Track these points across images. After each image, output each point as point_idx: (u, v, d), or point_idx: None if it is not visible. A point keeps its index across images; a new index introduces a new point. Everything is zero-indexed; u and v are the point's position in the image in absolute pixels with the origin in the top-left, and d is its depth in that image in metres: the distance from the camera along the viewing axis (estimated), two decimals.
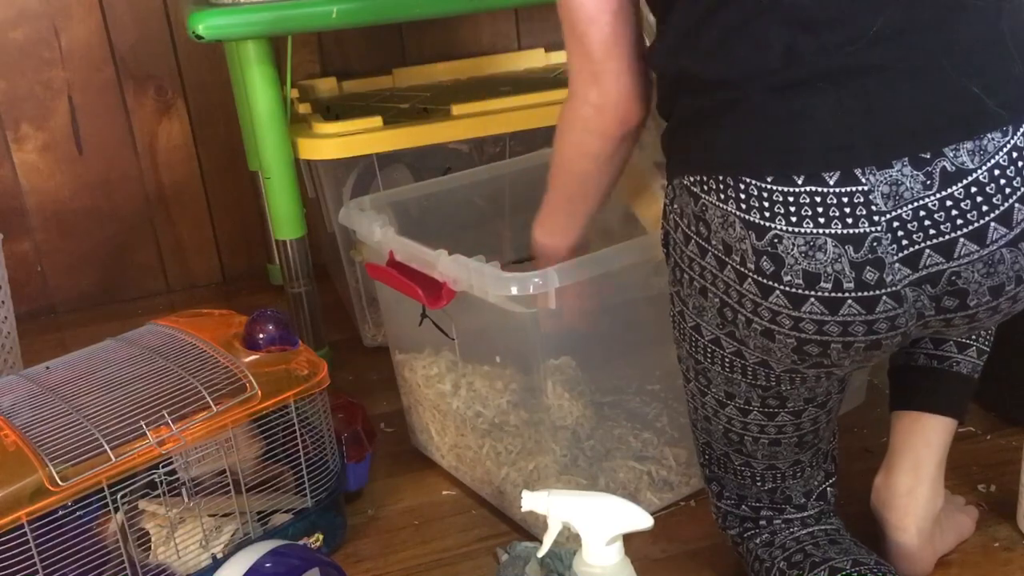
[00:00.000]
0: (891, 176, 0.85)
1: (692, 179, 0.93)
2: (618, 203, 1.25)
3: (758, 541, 1.12)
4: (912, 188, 0.85)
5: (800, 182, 0.86)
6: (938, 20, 0.86)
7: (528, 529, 1.28)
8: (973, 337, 1.16)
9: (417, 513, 1.36)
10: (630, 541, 0.91)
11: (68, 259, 2.03)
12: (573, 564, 0.92)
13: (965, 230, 0.86)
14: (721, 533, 1.16)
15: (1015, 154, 0.86)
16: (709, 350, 1.00)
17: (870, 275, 0.87)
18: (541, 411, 1.22)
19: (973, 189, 0.85)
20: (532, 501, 0.92)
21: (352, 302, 1.77)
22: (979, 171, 0.85)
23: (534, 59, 2.03)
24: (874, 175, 0.85)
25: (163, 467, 1.11)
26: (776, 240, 0.88)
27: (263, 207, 1.90)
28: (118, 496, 1.08)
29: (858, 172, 0.85)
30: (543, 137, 1.72)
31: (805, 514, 1.12)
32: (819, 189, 0.86)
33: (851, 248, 0.86)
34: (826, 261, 0.87)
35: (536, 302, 1.13)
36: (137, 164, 2.01)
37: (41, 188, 1.98)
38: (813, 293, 0.88)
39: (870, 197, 0.85)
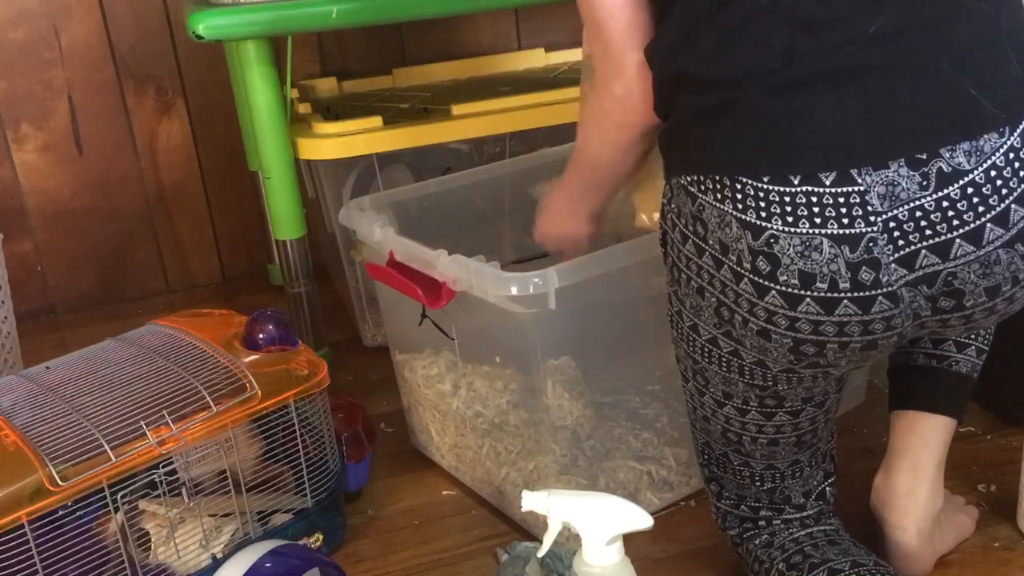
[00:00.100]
0: (887, 177, 0.85)
1: (689, 179, 0.93)
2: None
3: (757, 542, 1.12)
4: (908, 189, 0.85)
5: (796, 182, 0.86)
6: (937, 20, 0.86)
7: (528, 529, 1.28)
8: (972, 336, 1.16)
9: (417, 513, 1.36)
10: (630, 541, 0.91)
11: (68, 259, 2.03)
12: (573, 564, 0.92)
13: (961, 231, 0.86)
14: (721, 533, 1.16)
15: (1012, 155, 0.86)
16: (707, 350, 1.00)
17: (866, 275, 0.87)
18: (541, 411, 1.22)
19: (969, 190, 0.85)
20: (532, 501, 0.92)
21: (352, 302, 1.77)
22: (975, 172, 0.85)
23: (534, 59, 2.03)
24: (870, 175, 0.85)
25: (163, 467, 1.11)
26: (772, 240, 0.88)
27: (263, 207, 1.90)
28: (118, 496, 1.08)
29: (854, 172, 0.85)
30: (543, 137, 1.72)
31: (804, 514, 1.12)
32: (815, 189, 0.86)
33: (847, 248, 0.86)
34: (822, 261, 0.87)
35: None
36: (137, 164, 2.01)
37: (41, 188, 1.98)
38: (809, 293, 0.88)
39: (866, 197, 0.85)
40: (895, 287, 0.87)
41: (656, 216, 1.12)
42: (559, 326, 1.17)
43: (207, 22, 1.43)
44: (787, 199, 0.87)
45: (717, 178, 0.90)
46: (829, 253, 0.87)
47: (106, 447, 1.06)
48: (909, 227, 0.86)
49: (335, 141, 1.57)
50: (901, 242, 0.86)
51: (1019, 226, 0.87)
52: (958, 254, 0.86)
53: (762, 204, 0.87)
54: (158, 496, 1.12)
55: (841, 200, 0.86)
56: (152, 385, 1.14)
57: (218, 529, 1.18)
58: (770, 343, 0.93)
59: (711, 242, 0.92)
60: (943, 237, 0.86)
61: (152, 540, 1.15)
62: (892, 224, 0.86)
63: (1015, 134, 0.86)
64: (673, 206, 0.96)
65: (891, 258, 0.86)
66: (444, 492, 1.39)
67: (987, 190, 0.85)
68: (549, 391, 1.21)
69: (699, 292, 0.96)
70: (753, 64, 0.88)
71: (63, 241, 2.02)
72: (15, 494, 1.01)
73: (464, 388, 1.32)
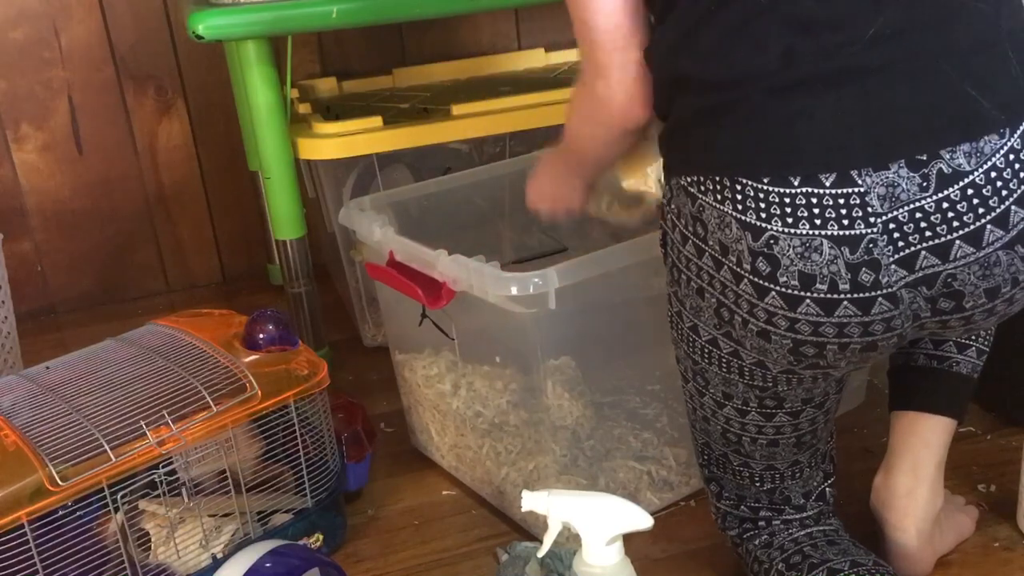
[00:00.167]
0: (887, 178, 0.85)
1: (689, 179, 0.93)
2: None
3: (757, 542, 1.12)
4: (908, 190, 0.85)
5: (796, 183, 0.86)
6: (937, 21, 0.86)
7: (528, 529, 1.28)
8: (972, 337, 1.16)
9: (417, 513, 1.36)
10: (630, 541, 0.91)
11: (68, 259, 2.03)
12: (573, 564, 0.92)
13: (961, 232, 0.86)
14: (721, 533, 1.17)
15: (1012, 156, 0.86)
16: (707, 351, 1.00)
17: (866, 276, 0.87)
18: (541, 411, 1.22)
19: (970, 191, 0.85)
20: (532, 501, 0.92)
21: (352, 302, 1.77)
22: (976, 173, 0.85)
23: (534, 59, 2.03)
24: (870, 176, 0.85)
25: (163, 467, 1.11)
26: (772, 241, 0.88)
27: (263, 207, 1.90)
28: (118, 496, 1.08)
29: (854, 174, 0.85)
30: (543, 137, 1.71)
31: (804, 515, 1.12)
32: (815, 190, 0.86)
33: (847, 249, 0.86)
34: (822, 262, 0.87)
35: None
36: (137, 164, 2.01)
37: (41, 188, 1.98)
38: (809, 294, 0.88)
39: (866, 199, 0.85)
40: (895, 288, 0.87)
41: (648, 182, 1.12)
42: (559, 326, 1.17)
43: (207, 22, 1.43)
44: (787, 200, 0.87)
45: (717, 179, 0.90)
46: (829, 254, 0.87)
47: (106, 447, 1.06)
48: (909, 228, 0.86)
49: (335, 141, 1.57)
50: (901, 243, 0.86)
51: (1019, 228, 0.87)
52: (958, 255, 0.86)
53: (762, 205, 0.87)
54: (158, 496, 1.12)
55: (841, 201, 0.86)
56: (152, 385, 1.14)
57: (218, 529, 1.18)
58: (770, 344, 0.93)
59: (711, 243, 0.92)
60: (943, 238, 0.86)
61: (152, 540, 1.15)
62: (892, 225, 0.86)
63: (1015, 135, 0.86)
64: (673, 207, 0.96)
65: (891, 259, 0.86)
66: (444, 492, 1.39)
67: (987, 191, 0.85)
68: (549, 391, 1.21)
69: (699, 293, 0.96)
70: (752, 65, 0.87)
71: (63, 241, 2.02)
72: (15, 494, 1.01)
73: (464, 388, 1.32)
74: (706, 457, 1.13)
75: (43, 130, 1.95)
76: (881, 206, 0.85)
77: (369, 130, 1.58)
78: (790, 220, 0.87)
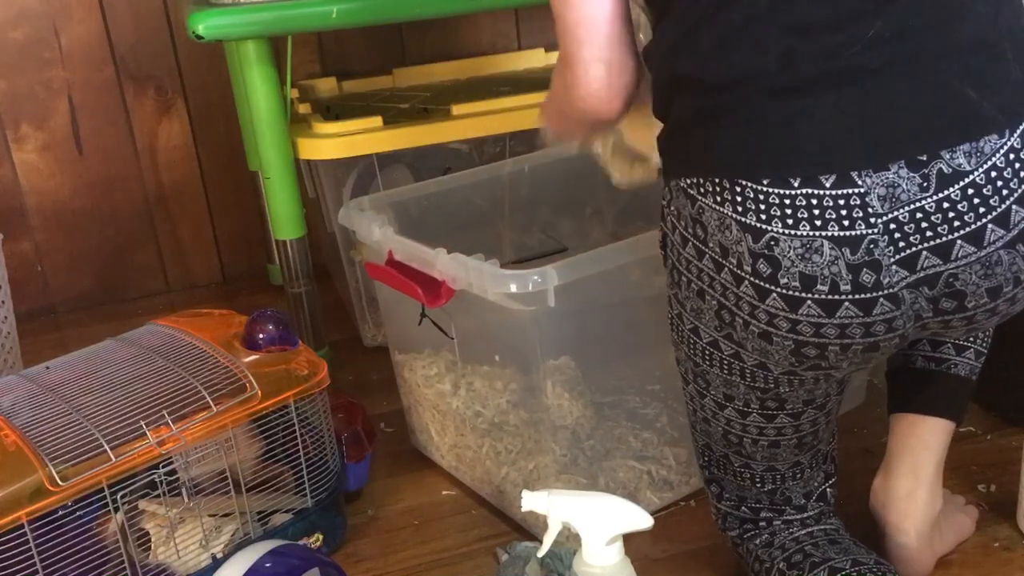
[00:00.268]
0: (887, 178, 0.85)
1: (689, 181, 0.92)
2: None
3: (758, 542, 1.12)
4: (909, 190, 0.85)
5: (796, 185, 0.86)
6: (937, 22, 0.86)
7: (528, 529, 1.28)
8: (971, 339, 1.16)
9: (417, 513, 1.36)
10: (630, 541, 0.91)
11: (68, 259, 2.03)
12: (573, 564, 0.92)
13: (962, 232, 0.86)
14: (721, 533, 1.16)
15: (1012, 156, 0.86)
16: (707, 352, 1.00)
17: (867, 277, 0.87)
18: (541, 411, 1.22)
19: (970, 191, 0.85)
20: (532, 501, 0.92)
21: (352, 302, 1.77)
22: (976, 173, 0.85)
23: (534, 59, 2.03)
24: (870, 177, 0.85)
25: (163, 467, 1.11)
26: (772, 243, 0.87)
27: (263, 207, 1.90)
28: (118, 496, 1.08)
29: (854, 175, 0.85)
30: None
31: (805, 515, 1.12)
32: (815, 192, 0.86)
33: (848, 250, 0.86)
34: (823, 263, 0.87)
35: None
36: (137, 164, 2.01)
37: (41, 188, 1.98)
38: (810, 296, 0.88)
39: (866, 199, 0.85)
40: (896, 289, 0.87)
41: (651, 145, 1.11)
42: (558, 325, 1.17)
43: (207, 22, 1.43)
44: (787, 201, 0.86)
45: (717, 181, 0.90)
46: (830, 255, 0.86)
47: (106, 447, 1.06)
48: (910, 228, 0.86)
49: (335, 141, 1.57)
50: (902, 244, 0.86)
51: (1020, 227, 0.87)
52: (959, 255, 0.86)
53: (762, 207, 0.87)
54: (158, 496, 1.12)
55: (841, 202, 0.85)
56: (152, 385, 1.14)
57: (218, 529, 1.18)
58: (771, 345, 0.93)
59: (711, 245, 0.92)
60: (944, 238, 0.86)
61: (152, 540, 1.15)
62: (893, 226, 0.86)
63: (1015, 135, 0.86)
64: (672, 208, 0.96)
65: (892, 260, 0.86)
66: (444, 492, 1.39)
67: (988, 191, 0.85)
68: (549, 391, 1.21)
69: (700, 295, 0.96)
70: (752, 66, 0.87)
71: (63, 241, 2.02)
72: (15, 494, 1.01)
73: (464, 388, 1.32)
74: (707, 458, 1.13)
75: (43, 130, 1.95)
76: (881, 207, 0.85)
77: (369, 130, 1.58)
78: (790, 221, 0.87)
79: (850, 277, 0.87)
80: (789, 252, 0.87)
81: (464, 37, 2.09)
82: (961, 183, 0.85)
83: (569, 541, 0.97)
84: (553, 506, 0.91)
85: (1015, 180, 0.86)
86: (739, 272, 0.90)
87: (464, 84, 1.93)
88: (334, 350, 1.72)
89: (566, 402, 1.22)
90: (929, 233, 0.86)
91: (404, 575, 1.25)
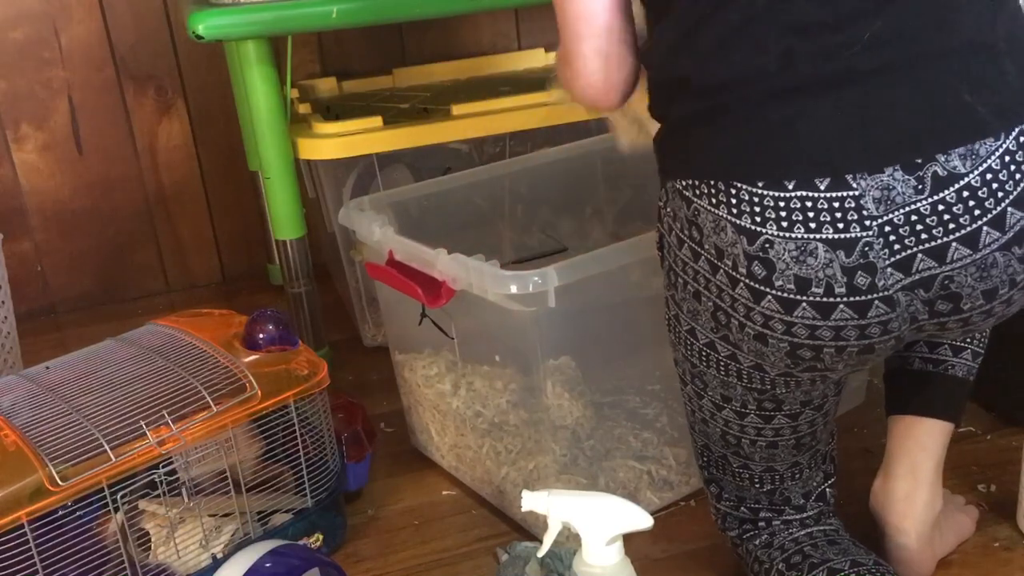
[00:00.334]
0: (882, 181, 0.85)
1: (685, 183, 0.92)
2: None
3: (757, 542, 1.12)
4: (904, 193, 0.85)
5: (791, 187, 0.86)
6: (934, 24, 0.85)
7: (528, 529, 1.28)
8: (968, 340, 1.16)
9: (417, 513, 1.36)
10: (630, 541, 0.91)
11: (68, 259, 2.03)
12: (573, 564, 0.92)
13: (957, 234, 0.86)
14: (721, 533, 1.16)
15: (1007, 158, 0.86)
16: (704, 353, 1.00)
17: (862, 280, 0.87)
18: (541, 411, 1.22)
19: (965, 193, 0.85)
20: (532, 501, 0.92)
21: (352, 302, 1.77)
22: (971, 175, 0.85)
23: (534, 59, 2.03)
24: (865, 180, 0.85)
25: (163, 467, 1.11)
26: (767, 245, 0.87)
27: (263, 207, 1.90)
28: (118, 496, 1.08)
29: (849, 177, 0.85)
30: (543, 137, 1.72)
31: (804, 515, 1.12)
32: (810, 194, 0.86)
33: (842, 253, 0.86)
34: (817, 266, 0.87)
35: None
36: (137, 164, 2.01)
37: (41, 188, 1.98)
38: (805, 298, 0.88)
39: (861, 202, 0.85)
40: (891, 291, 0.87)
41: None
42: (559, 325, 1.17)
43: (207, 22, 1.43)
44: (782, 204, 0.86)
45: (712, 183, 0.90)
46: (824, 258, 0.86)
47: (106, 447, 1.06)
48: (905, 231, 0.86)
49: (335, 141, 1.57)
50: (897, 246, 0.86)
51: (1015, 229, 0.87)
52: (954, 258, 0.86)
53: (757, 209, 0.87)
54: (158, 496, 1.12)
55: (836, 205, 0.85)
56: (152, 385, 1.14)
57: (218, 529, 1.18)
58: (767, 347, 0.93)
59: (707, 246, 0.92)
60: (939, 241, 0.86)
61: (152, 540, 1.15)
62: (888, 228, 0.85)
63: (1011, 137, 0.86)
64: (669, 210, 0.96)
65: (887, 262, 0.86)
66: (444, 492, 1.39)
67: (983, 193, 0.85)
68: (549, 391, 1.21)
69: (696, 296, 0.96)
70: (750, 67, 0.87)
71: (63, 241, 2.02)
72: (15, 494, 1.01)
73: (464, 388, 1.32)
74: (706, 459, 1.13)
75: (43, 130, 1.95)
76: (876, 209, 0.85)
77: (369, 130, 1.58)
78: (785, 224, 0.86)
79: (845, 280, 0.87)
80: (784, 255, 0.87)
81: (464, 37, 2.09)
82: (956, 185, 0.85)
83: (569, 541, 0.97)
84: (553, 506, 0.91)
85: (1010, 182, 0.86)
86: (734, 274, 0.90)
87: (464, 84, 1.93)
88: (334, 350, 1.72)
89: (566, 402, 1.22)
90: (924, 236, 0.86)
91: (404, 575, 1.25)
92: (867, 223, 0.85)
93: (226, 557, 1.10)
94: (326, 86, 1.93)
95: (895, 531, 1.12)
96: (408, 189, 1.50)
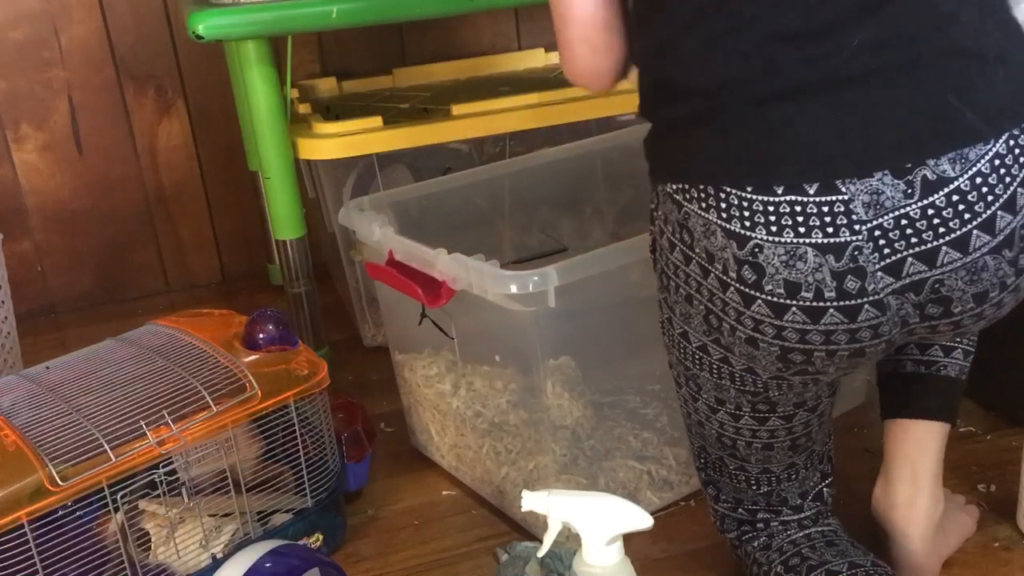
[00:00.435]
0: (871, 185, 0.85)
1: (674, 187, 0.92)
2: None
3: (756, 544, 1.12)
4: (893, 197, 0.85)
5: (780, 192, 0.86)
6: (921, 31, 0.85)
7: (528, 529, 1.28)
8: (958, 339, 1.15)
9: (417, 513, 1.36)
10: (630, 541, 0.91)
11: (68, 259, 2.03)
12: (573, 564, 0.92)
13: (947, 238, 0.86)
14: (720, 534, 1.16)
15: (997, 162, 0.85)
16: (697, 356, 1.00)
17: (851, 284, 0.87)
18: (541, 411, 1.22)
19: (955, 197, 0.85)
20: (532, 501, 0.92)
21: (352, 302, 1.77)
22: (961, 179, 0.85)
23: (534, 59, 2.03)
24: (854, 184, 0.85)
25: (163, 467, 1.11)
26: (757, 250, 0.87)
27: (263, 207, 1.90)
28: (118, 496, 1.08)
29: (838, 182, 0.85)
30: (543, 137, 1.72)
31: (802, 515, 1.12)
32: (799, 199, 0.85)
33: (832, 257, 0.86)
34: (807, 271, 0.87)
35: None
36: (137, 164, 2.01)
37: (41, 188, 1.98)
38: (794, 303, 0.88)
39: (850, 206, 0.85)
40: (881, 295, 0.87)
41: None
42: (559, 325, 1.17)
43: (207, 22, 1.43)
44: (771, 208, 0.86)
45: (702, 187, 0.89)
46: (814, 262, 0.86)
47: (106, 447, 1.06)
48: (895, 235, 0.85)
49: (335, 141, 1.57)
50: (887, 250, 0.86)
51: (1005, 232, 0.87)
52: (944, 261, 0.86)
53: (746, 213, 0.87)
54: (158, 496, 1.12)
55: (825, 209, 0.85)
56: (152, 385, 1.14)
57: (218, 529, 1.18)
58: (758, 351, 0.93)
59: (697, 250, 0.92)
60: (929, 245, 0.86)
61: (152, 540, 1.15)
62: (877, 232, 0.85)
63: (1000, 142, 0.86)
64: (660, 213, 0.96)
65: (877, 266, 0.86)
66: (444, 492, 1.40)
67: (972, 197, 0.85)
68: (549, 391, 1.21)
69: (688, 300, 0.96)
70: (735, 73, 0.87)
71: (63, 241, 2.02)
72: (15, 494, 1.01)
73: (464, 388, 1.32)
74: (702, 461, 1.13)
75: (43, 130, 1.95)
76: (866, 213, 0.85)
77: (369, 130, 1.58)
78: (774, 228, 0.86)
79: (834, 284, 0.87)
80: (773, 259, 0.87)
81: (464, 37, 2.09)
82: (946, 189, 0.85)
83: (569, 541, 0.97)
84: (553, 506, 0.91)
85: (1000, 186, 0.86)
86: (725, 278, 0.90)
87: (464, 84, 1.93)
88: (334, 350, 1.72)
89: (566, 402, 1.22)
90: (914, 239, 0.86)
91: (404, 575, 1.25)
92: (856, 227, 0.85)
93: (226, 557, 1.10)
94: (326, 86, 1.93)
95: (900, 536, 1.12)
96: (408, 189, 1.50)
